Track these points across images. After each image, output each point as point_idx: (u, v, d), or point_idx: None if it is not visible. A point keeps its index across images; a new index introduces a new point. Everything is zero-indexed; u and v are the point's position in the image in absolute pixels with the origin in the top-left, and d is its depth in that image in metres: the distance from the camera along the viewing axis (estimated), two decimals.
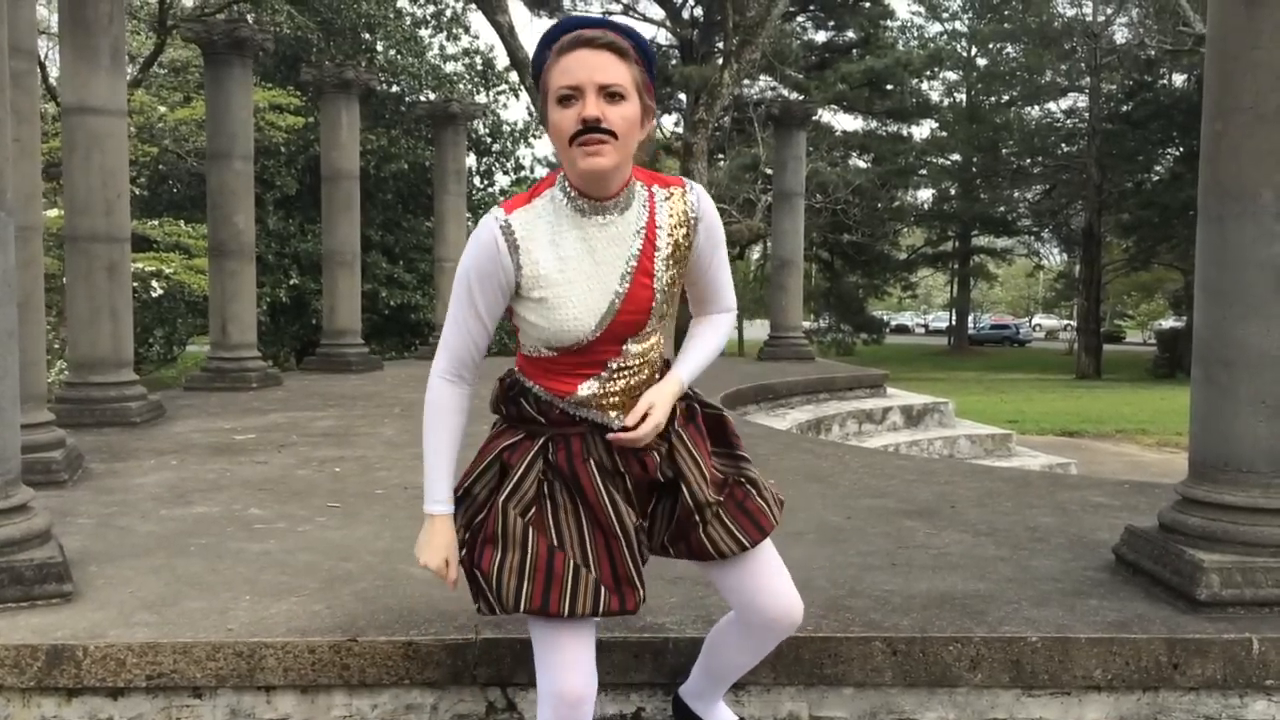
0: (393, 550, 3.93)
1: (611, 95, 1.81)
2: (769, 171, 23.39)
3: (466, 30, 26.02)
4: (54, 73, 16.35)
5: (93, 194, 6.95)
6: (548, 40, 1.90)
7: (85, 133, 6.93)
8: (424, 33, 24.96)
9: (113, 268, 7.07)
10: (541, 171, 32.91)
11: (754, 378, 10.08)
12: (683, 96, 33.23)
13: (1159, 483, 5.84)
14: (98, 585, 3.48)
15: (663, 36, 35.59)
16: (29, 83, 5.51)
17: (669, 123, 34.67)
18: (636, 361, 2.09)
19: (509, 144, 26.98)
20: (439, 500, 2.23)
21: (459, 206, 12.89)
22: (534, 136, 27.18)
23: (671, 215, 2.03)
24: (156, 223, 15.89)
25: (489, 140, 26.09)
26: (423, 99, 23.34)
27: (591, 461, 2.10)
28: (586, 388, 2.08)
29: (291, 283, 20.95)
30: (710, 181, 18.39)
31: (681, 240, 2.05)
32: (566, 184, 2.01)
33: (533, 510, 2.13)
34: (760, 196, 22.91)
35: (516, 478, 2.13)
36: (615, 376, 2.09)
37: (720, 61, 28.27)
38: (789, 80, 28.00)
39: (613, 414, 2.08)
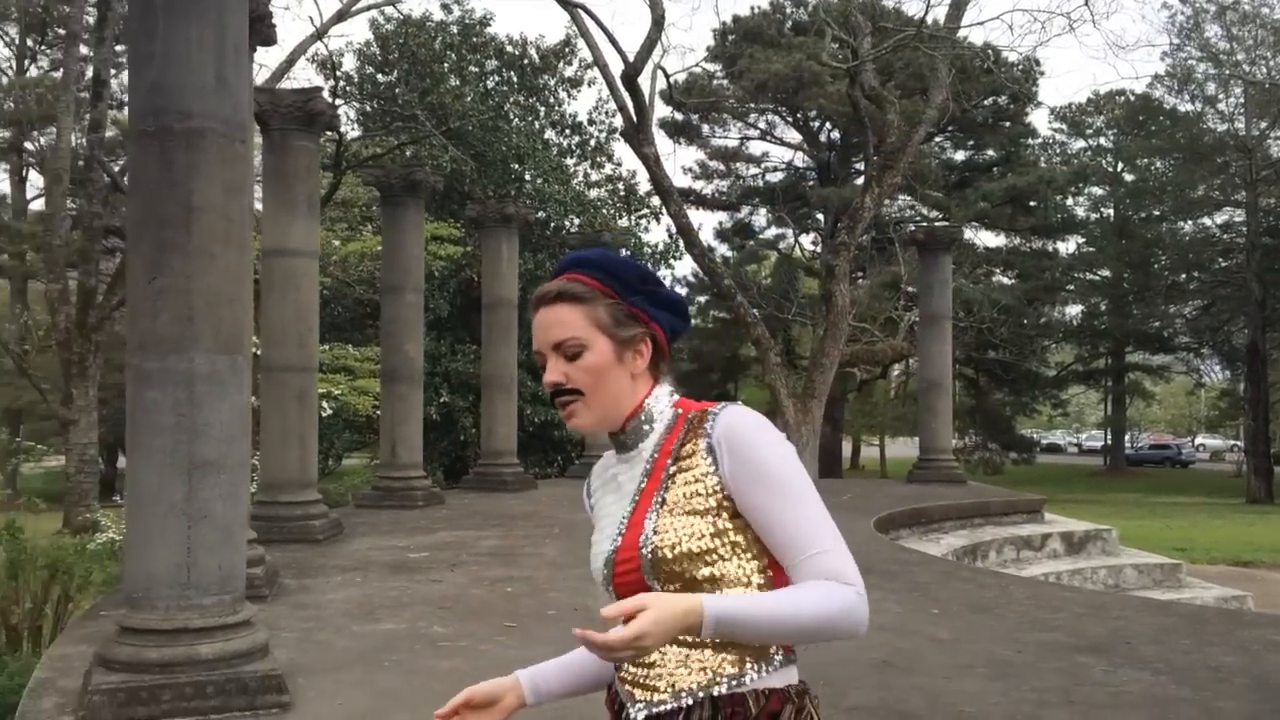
0: None
1: (571, 355, 1.61)
2: (910, 289, 23.37)
3: (609, 158, 27.17)
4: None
5: (287, 328, 7.58)
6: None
7: (282, 273, 7.60)
8: (569, 161, 26.15)
9: (302, 395, 7.64)
10: (681, 291, 33.65)
11: (905, 500, 10.01)
12: (820, 216, 33.64)
13: None
14: (309, 697, 3.76)
15: (800, 159, 36.35)
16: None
17: (806, 242, 35.07)
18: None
19: (650, 264, 27.85)
20: (530, 680, 1.76)
21: None
22: (674, 258, 27.96)
23: (688, 449, 1.59)
24: (326, 347, 16.90)
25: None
26: (568, 224, 24.40)
27: None
28: None
29: (442, 400, 21.80)
30: (852, 300, 18.49)
31: (699, 484, 1.57)
32: None
33: None
34: (902, 315, 22.83)
35: None
36: None
37: (859, 183, 28.63)
38: (929, 199, 28.08)
39: (636, 693, 1.60)
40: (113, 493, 18.66)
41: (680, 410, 1.66)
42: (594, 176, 27.21)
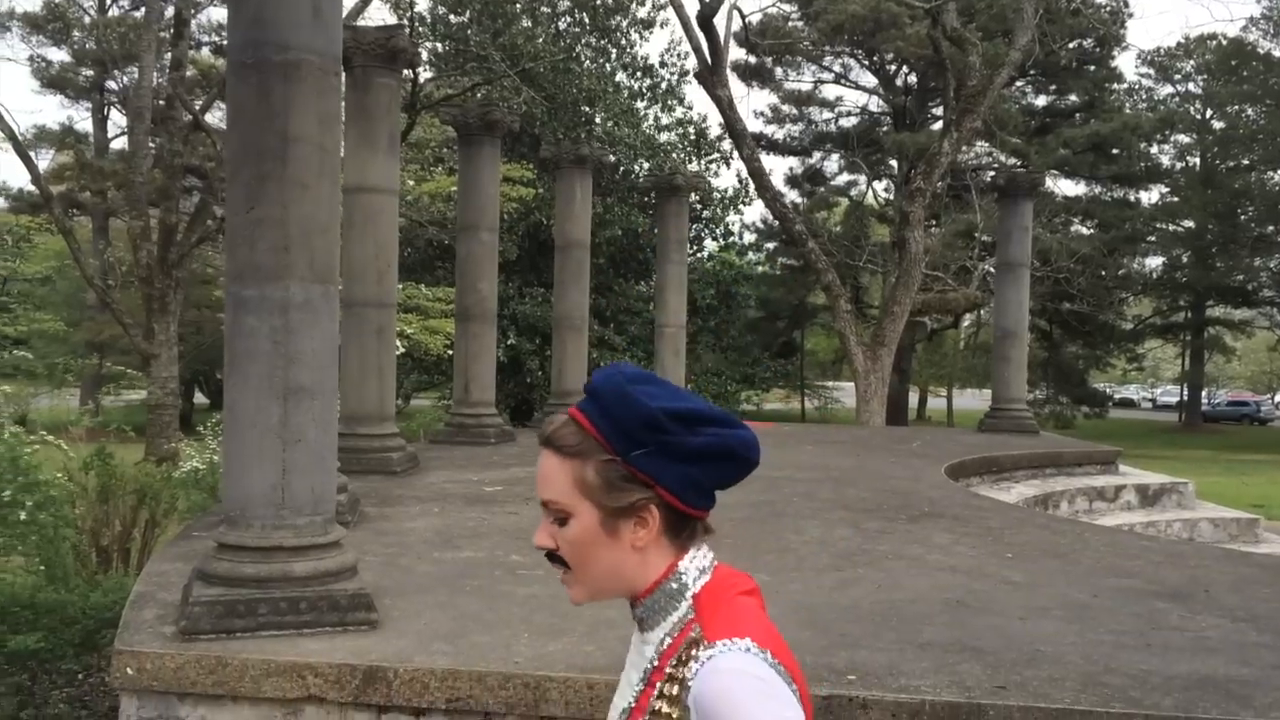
0: None
1: (556, 520, 1.33)
2: (985, 238, 22.95)
3: (680, 102, 26.94)
4: None
5: (367, 264, 7.71)
6: None
7: (363, 210, 7.71)
8: (640, 105, 25.99)
9: (381, 331, 7.79)
10: (749, 238, 33.45)
11: (976, 449, 9.94)
12: (894, 163, 33.07)
13: None
14: (394, 616, 3.90)
15: (875, 104, 35.67)
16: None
17: (878, 188, 34.53)
18: None
19: (719, 210, 27.68)
20: None
21: (680, 274, 13.34)
22: (744, 203, 27.76)
23: (670, 690, 1.31)
24: (399, 286, 17.14)
25: (699, 207, 26.79)
26: (637, 168, 24.31)
27: None
28: None
29: (509, 343, 22.04)
30: (925, 248, 18.23)
31: None
32: None
33: None
34: (976, 264, 22.45)
35: None
36: None
37: (936, 128, 28.05)
38: (1007, 146, 27.42)
39: None
40: (189, 426, 19.22)
41: (692, 614, 1.32)
42: (664, 120, 27.03)
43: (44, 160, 26.97)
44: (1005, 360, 12.45)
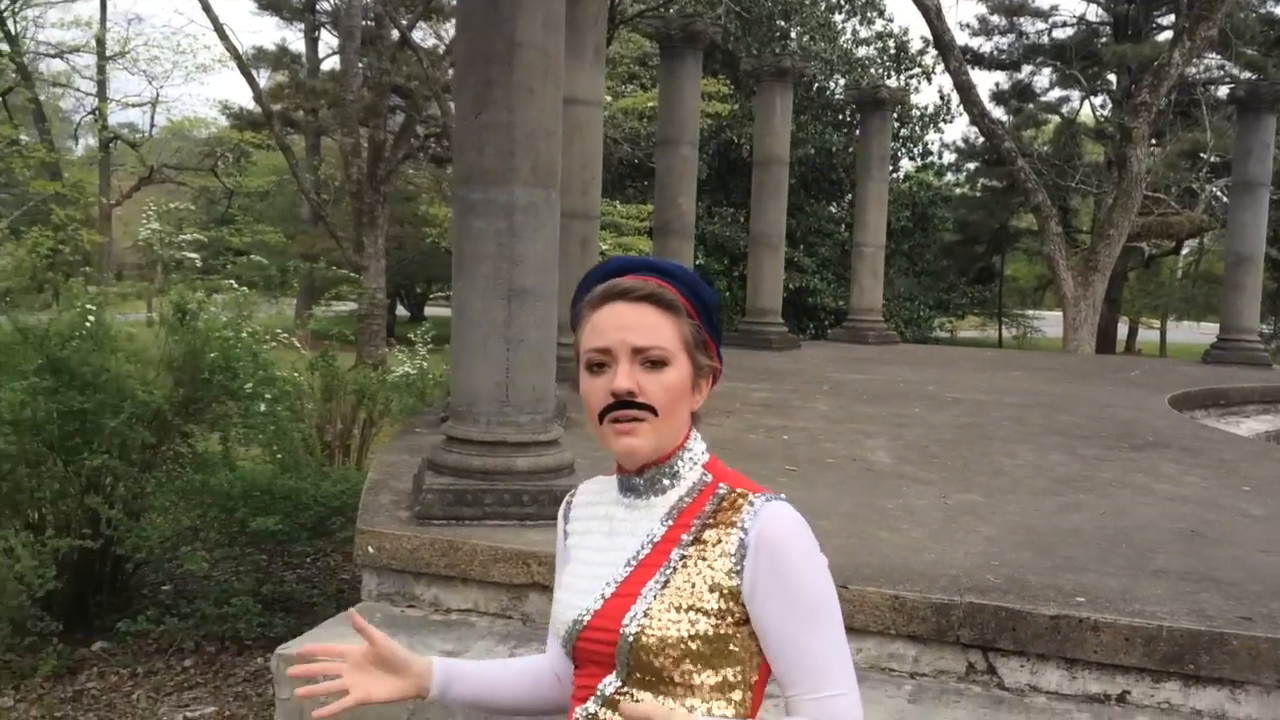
0: (857, 514, 4.17)
1: (651, 361, 1.37)
2: (1214, 159, 21.23)
3: (880, 14, 25.86)
4: None
5: (573, 176, 7.80)
6: (582, 288, 1.49)
7: (570, 121, 7.74)
8: (837, 18, 25.12)
9: (585, 242, 7.92)
10: (949, 158, 32.11)
11: (1200, 380, 9.33)
12: (1112, 77, 30.89)
13: None
14: None
15: (1094, 13, 33.27)
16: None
17: (1094, 105, 32.37)
18: None
19: (917, 129, 26.59)
20: (443, 672, 1.57)
21: (881, 192, 12.96)
22: (945, 121, 26.58)
23: (713, 536, 1.37)
24: None
25: (897, 125, 25.83)
26: (832, 84, 23.58)
27: None
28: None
29: (698, 263, 22.00)
30: (1146, 168, 17.03)
31: (717, 582, 1.35)
32: None
33: None
34: (1203, 186, 20.83)
35: None
36: None
37: (1162, 39, 25.95)
38: (1243, 58, 25.10)
39: None
40: (391, 337, 20.18)
41: (710, 476, 1.42)
42: (863, 33, 26.06)
43: (262, 80, 28.48)
44: (1238, 288, 11.57)
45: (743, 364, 9.92)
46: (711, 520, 1.38)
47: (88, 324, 5.25)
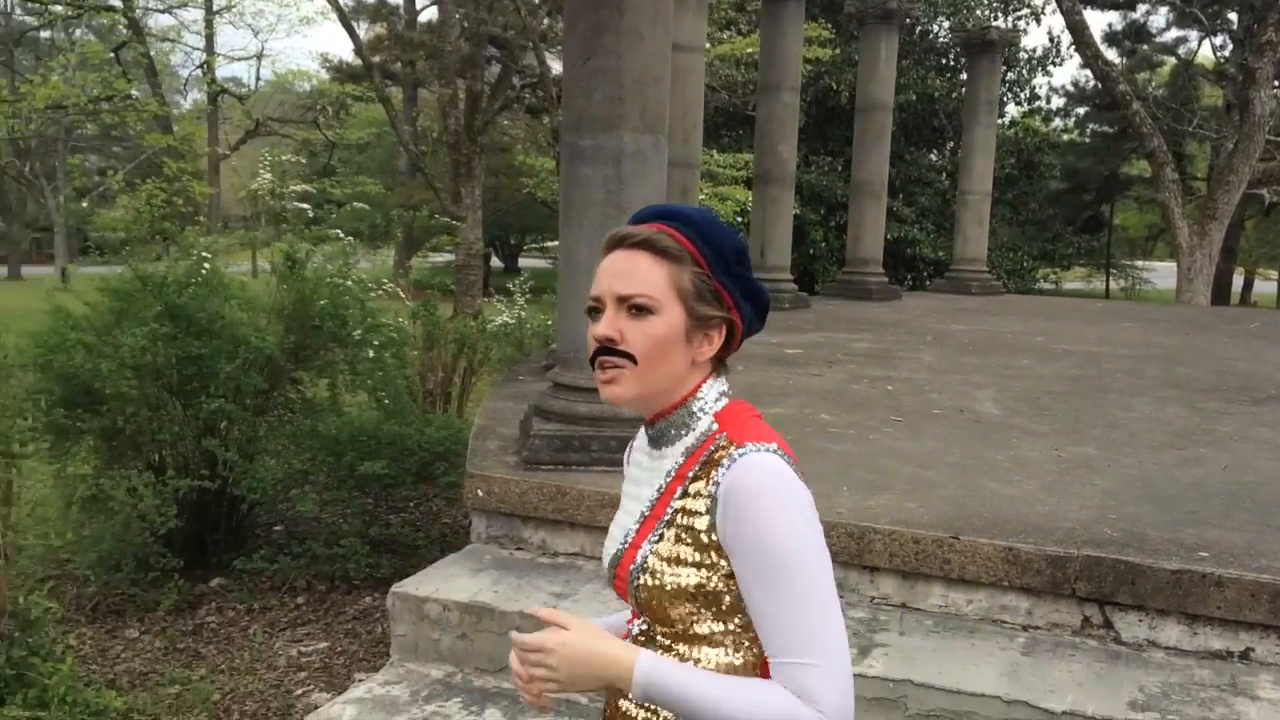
0: (966, 464, 4.10)
1: (636, 308, 1.36)
2: None
3: None
4: None
5: (674, 123, 7.68)
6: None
7: (672, 68, 7.70)
8: None
9: (685, 191, 7.87)
10: (1057, 102, 30.94)
11: None
12: (1233, 16, 29.33)
13: None
14: None
15: None
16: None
17: (1214, 45, 30.80)
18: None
19: (1024, 72, 25.64)
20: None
21: (988, 138, 12.58)
22: (1053, 63, 25.60)
23: (696, 489, 1.37)
24: None
25: (1004, 68, 24.94)
26: (935, 27, 22.83)
27: None
28: None
29: (795, 212, 21.68)
30: (1270, 111, 16.19)
31: (696, 534, 1.35)
32: None
33: None
34: None
35: None
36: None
37: None
38: None
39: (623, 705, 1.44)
40: (486, 288, 20.41)
41: (715, 426, 1.40)
42: None
43: (361, 32, 28.80)
44: None
45: (843, 314, 9.79)
46: (700, 473, 1.36)
47: (203, 272, 5.41)
